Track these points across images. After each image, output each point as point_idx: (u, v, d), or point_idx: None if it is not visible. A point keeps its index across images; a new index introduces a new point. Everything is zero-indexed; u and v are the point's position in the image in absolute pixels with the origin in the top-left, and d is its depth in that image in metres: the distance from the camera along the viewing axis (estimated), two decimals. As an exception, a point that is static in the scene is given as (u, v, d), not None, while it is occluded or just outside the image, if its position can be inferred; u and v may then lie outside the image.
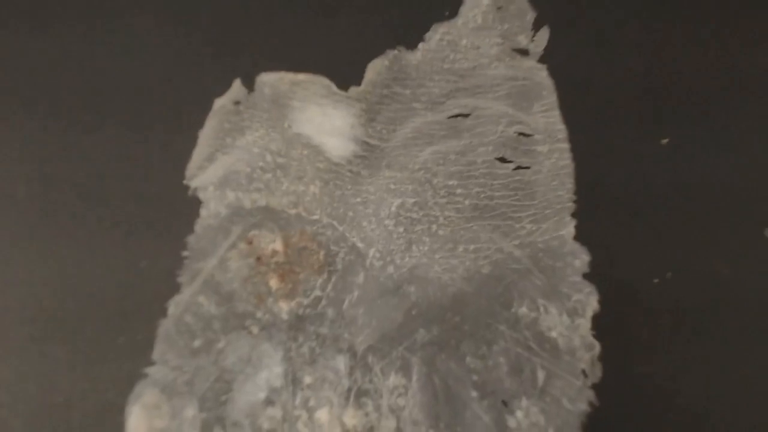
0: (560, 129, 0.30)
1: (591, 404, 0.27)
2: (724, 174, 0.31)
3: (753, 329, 0.29)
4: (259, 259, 0.29)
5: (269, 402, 0.27)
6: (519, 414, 0.27)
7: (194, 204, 0.30)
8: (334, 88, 0.31)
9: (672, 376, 0.29)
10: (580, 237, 0.30)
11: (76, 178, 0.30)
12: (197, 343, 0.27)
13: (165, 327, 0.27)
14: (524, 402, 0.27)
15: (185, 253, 0.28)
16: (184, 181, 0.30)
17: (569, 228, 0.30)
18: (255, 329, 0.28)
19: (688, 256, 0.30)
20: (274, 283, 0.29)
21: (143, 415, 0.25)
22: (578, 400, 0.27)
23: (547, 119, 0.30)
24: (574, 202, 0.30)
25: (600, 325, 0.28)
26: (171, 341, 0.26)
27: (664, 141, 0.31)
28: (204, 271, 0.28)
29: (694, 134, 0.32)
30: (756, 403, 0.28)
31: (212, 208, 0.29)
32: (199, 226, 0.28)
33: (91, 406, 0.28)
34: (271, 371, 0.28)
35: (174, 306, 0.27)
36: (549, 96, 0.31)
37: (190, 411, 0.26)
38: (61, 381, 0.29)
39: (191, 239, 0.28)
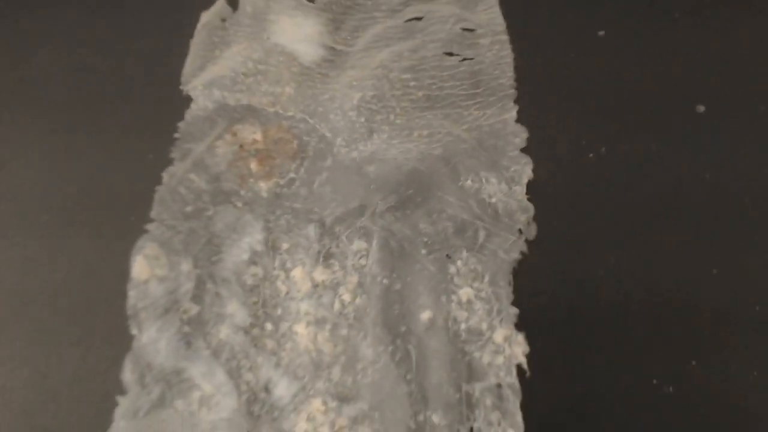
0: (500, 23, 0.34)
1: (522, 254, 0.31)
2: (656, 60, 0.34)
3: (683, 203, 0.32)
4: (241, 146, 0.34)
5: (252, 262, 0.33)
6: (459, 263, 0.31)
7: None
8: (303, 0, 0.36)
9: (603, 239, 0.32)
10: (521, 120, 0.34)
11: (90, 82, 0.36)
12: (189, 209, 0.32)
13: (161, 193, 0.32)
14: (464, 254, 0.31)
15: (176, 135, 0.34)
16: (180, 87, 0.35)
17: (512, 113, 0.34)
18: (239, 204, 0.33)
19: (621, 133, 0.33)
20: (254, 166, 0.34)
21: (145, 263, 0.31)
22: (512, 251, 0.31)
23: (488, 15, 0.34)
24: (516, 89, 0.34)
25: (535, 191, 0.32)
26: (166, 205, 0.32)
27: (601, 33, 0.35)
28: (194, 153, 0.33)
29: (629, 26, 0.35)
30: (681, 266, 0.32)
31: (201, 102, 0.34)
32: (189, 115, 0.34)
33: (108, 277, 0.34)
34: (254, 238, 0.33)
35: (168, 176, 0.32)
36: (491, -5, 0.35)
37: (186, 266, 0.32)
38: (82, 261, 0.34)
39: (182, 124, 0.34)
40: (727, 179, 0.32)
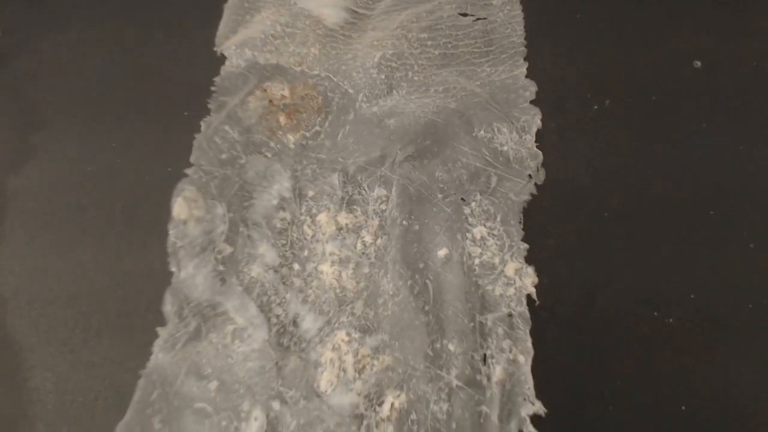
0: (511, -16, 0.37)
1: (532, 195, 0.33)
2: (656, 19, 0.36)
3: (682, 149, 0.35)
4: (271, 101, 0.37)
5: (281, 208, 0.35)
6: (473, 205, 0.34)
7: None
8: (327, -33, 0.39)
9: (606, 182, 0.34)
10: (531, 75, 0.36)
11: (129, 47, 0.39)
12: (224, 156, 0.35)
13: (199, 140, 0.35)
14: (478, 197, 0.34)
15: (213, 89, 0.36)
16: (214, 48, 0.38)
17: (522, 69, 0.36)
18: (269, 154, 0.36)
19: (624, 86, 0.36)
20: (282, 119, 0.37)
21: (185, 204, 0.34)
22: (522, 194, 0.34)
23: (500, -22, 0.37)
24: (526, 46, 0.36)
25: (544, 140, 0.35)
26: (203, 151, 0.35)
27: (606, -7, 0.37)
28: (228, 106, 0.36)
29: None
30: (679, 204, 0.34)
31: (234, 61, 0.37)
32: (223, 71, 0.37)
33: (147, 221, 0.37)
34: (282, 185, 0.36)
35: (205, 125, 0.35)
36: (502, -41, 0.37)
37: (220, 210, 0.35)
38: (123, 206, 0.37)
39: (217, 79, 0.37)
40: (722, 127, 0.35)
